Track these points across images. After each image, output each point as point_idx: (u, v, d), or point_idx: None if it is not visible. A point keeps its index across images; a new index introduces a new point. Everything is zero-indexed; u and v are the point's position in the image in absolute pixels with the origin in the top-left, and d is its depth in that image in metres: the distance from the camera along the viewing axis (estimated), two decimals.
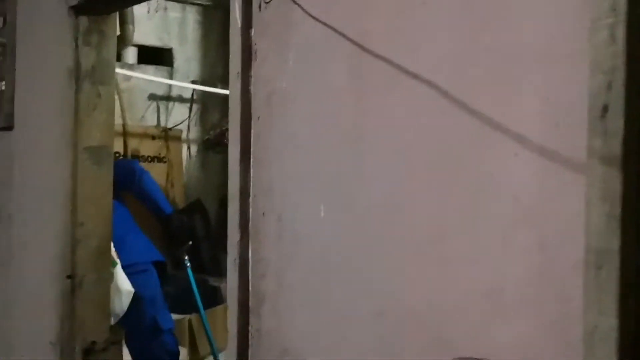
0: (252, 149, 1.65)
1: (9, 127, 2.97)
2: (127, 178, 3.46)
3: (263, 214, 1.62)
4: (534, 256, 1.05)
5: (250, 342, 1.65)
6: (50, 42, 2.64)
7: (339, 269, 1.42)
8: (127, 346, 3.32)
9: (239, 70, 1.66)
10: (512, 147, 1.09)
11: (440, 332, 1.19)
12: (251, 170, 1.65)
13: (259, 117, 1.64)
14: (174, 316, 3.99)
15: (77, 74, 2.46)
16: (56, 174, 2.55)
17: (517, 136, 1.08)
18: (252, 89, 1.65)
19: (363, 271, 1.35)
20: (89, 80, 2.48)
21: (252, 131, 1.65)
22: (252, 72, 1.65)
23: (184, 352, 3.99)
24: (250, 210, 1.65)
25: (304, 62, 1.53)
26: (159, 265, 3.41)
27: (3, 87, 3.08)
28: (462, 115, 1.16)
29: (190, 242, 3.73)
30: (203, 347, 4.06)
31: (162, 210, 3.59)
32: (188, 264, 3.78)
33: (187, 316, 4.03)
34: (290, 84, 1.55)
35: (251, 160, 1.65)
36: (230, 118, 1.70)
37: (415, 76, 1.26)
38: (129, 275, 3.06)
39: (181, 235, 3.67)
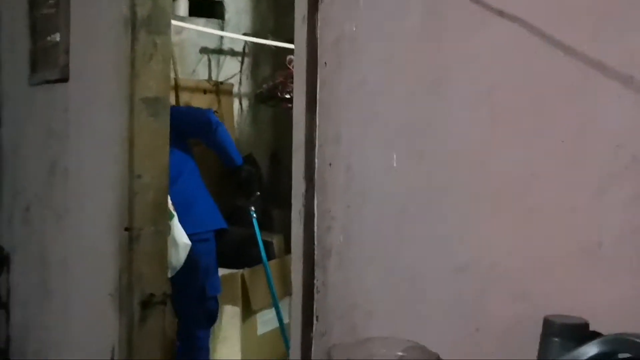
0: (318, 97, 1.57)
1: (64, 79, 2.95)
2: (202, 128, 3.45)
3: (330, 164, 1.55)
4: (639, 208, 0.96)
5: (315, 297, 1.60)
6: None
7: (413, 222, 1.34)
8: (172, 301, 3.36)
9: (305, 13, 1.57)
10: (615, 88, 0.99)
11: (527, 290, 1.12)
12: (317, 119, 1.58)
13: (325, 63, 1.56)
14: (227, 271, 3.99)
15: (132, 23, 2.40)
16: (112, 126, 2.52)
17: (621, 76, 0.98)
18: (319, 33, 1.56)
19: (441, 224, 1.27)
20: (145, 30, 2.43)
21: (319, 78, 1.57)
22: (319, 16, 1.57)
23: (235, 310, 4.00)
24: (316, 160, 1.59)
25: (375, 2, 1.44)
26: (219, 231, 3.40)
27: (58, 39, 3.05)
28: (556, 54, 1.07)
29: (258, 193, 3.71)
30: (255, 302, 4.06)
31: (233, 161, 3.57)
32: (254, 215, 3.76)
33: (240, 271, 4.02)
34: (360, 27, 1.47)
35: (317, 108, 1.58)
36: (295, 64, 1.62)
37: (501, 13, 1.16)
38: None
39: (250, 186, 3.65)
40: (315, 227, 1.60)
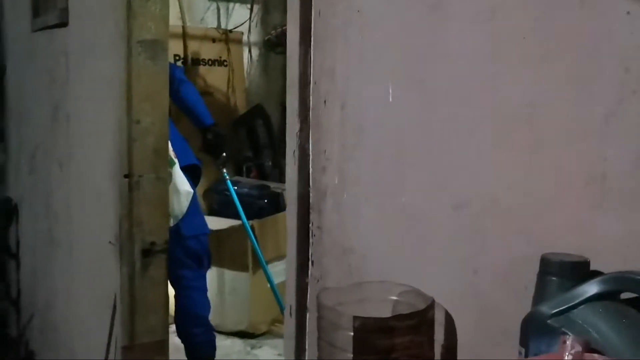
0: (312, 29, 1.48)
1: (64, 24, 2.87)
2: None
3: (325, 101, 1.47)
4: None
5: (310, 240, 1.54)
6: None
7: (410, 158, 1.26)
8: None
9: None
10: (623, 4, 0.90)
11: (530, 226, 1.04)
12: (311, 53, 1.49)
13: None
14: (237, 222, 3.95)
15: None
16: (110, 70, 2.45)
17: None
18: None
19: (439, 159, 1.19)
20: None
21: (313, 8, 1.48)
22: None
23: (244, 261, 3.96)
24: (311, 97, 1.50)
25: None
26: (195, 170, 3.28)
27: None
28: None
29: (224, 154, 3.59)
30: (266, 253, 4.03)
31: (201, 121, 3.43)
32: (227, 177, 3.69)
33: (250, 222, 3.99)
34: None
35: (312, 41, 1.49)
36: None
37: None
38: None
39: (215, 147, 3.52)
40: (310, 168, 1.52)
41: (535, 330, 0.90)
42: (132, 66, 2.36)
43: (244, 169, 4.67)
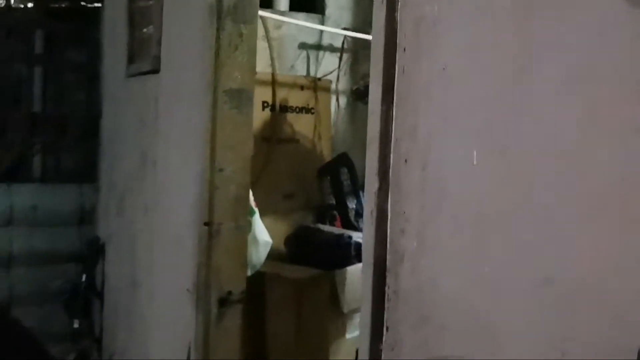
0: (395, 86, 1.43)
1: (156, 70, 2.94)
2: None
3: (405, 160, 1.41)
4: None
5: (386, 305, 1.46)
6: None
7: (494, 227, 1.18)
8: None
9: None
10: None
11: (621, 311, 0.94)
12: (394, 110, 1.43)
13: (405, 49, 1.41)
14: (315, 272, 3.88)
15: (218, 12, 2.34)
16: (196, 118, 2.47)
17: None
18: (398, 15, 1.42)
19: (525, 230, 1.10)
20: (230, 19, 2.36)
21: (397, 65, 1.43)
22: None
23: (322, 311, 3.88)
24: (392, 156, 1.45)
25: None
26: None
27: (151, 31, 3.04)
28: None
29: None
30: (346, 305, 3.94)
31: None
32: None
33: (328, 272, 3.92)
34: (443, 8, 1.31)
35: (394, 98, 1.43)
36: (372, 50, 1.48)
37: None
38: None
39: None
40: (389, 230, 1.45)
41: None
42: (217, 115, 2.37)
43: (327, 216, 4.62)
